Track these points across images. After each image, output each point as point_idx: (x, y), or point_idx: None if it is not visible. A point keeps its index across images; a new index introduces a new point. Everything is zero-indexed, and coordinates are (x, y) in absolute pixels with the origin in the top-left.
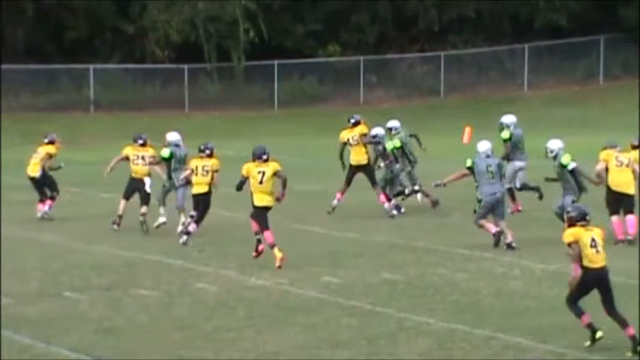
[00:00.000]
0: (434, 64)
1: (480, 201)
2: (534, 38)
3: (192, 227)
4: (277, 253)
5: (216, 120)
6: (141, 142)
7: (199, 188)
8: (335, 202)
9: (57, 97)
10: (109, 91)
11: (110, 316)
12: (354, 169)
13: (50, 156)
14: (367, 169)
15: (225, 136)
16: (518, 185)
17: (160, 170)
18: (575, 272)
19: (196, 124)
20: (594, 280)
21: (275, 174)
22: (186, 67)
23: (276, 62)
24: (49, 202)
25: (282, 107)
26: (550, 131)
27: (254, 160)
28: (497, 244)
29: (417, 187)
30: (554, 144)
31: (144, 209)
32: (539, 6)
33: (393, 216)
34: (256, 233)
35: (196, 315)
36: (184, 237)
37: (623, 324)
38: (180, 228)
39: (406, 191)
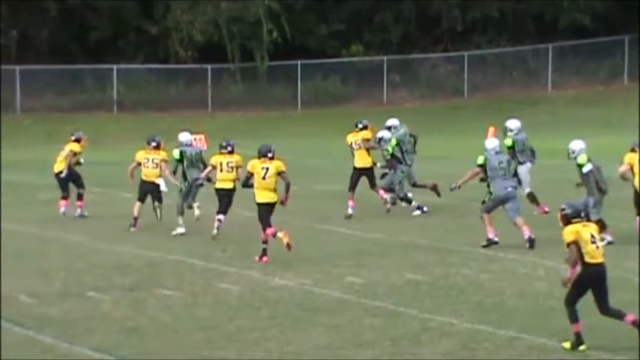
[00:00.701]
0: (457, 64)
1: (490, 193)
2: (558, 38)
3: (220, 216)
4: (283, 237)
5: (239, 120)
6: (154, 144)
7: (224, 184)
8: (350, 210)
9: (81, 98)
10: (133, 92)
11: (133, 316)
12: (358, 172)
13: (75, 154)
14: (370, 172)
15: (248, 136)
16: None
17: (168, 173)
18: (570, 273)
19: (219, 125)
20: (594, 276)
21: (279, 174)
22: (209, 67)
23: (299, 62)
24: (79, 202)
25: (305, 107)
26: (574, 132)
27: (259, 158)
28: (487, 246)
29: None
30: (576, 145)
31: (157, 204)
32: (564, 6)
33: (389, 210)
34: (264, 242)
35: (219, 315)
36: (215, 231)
37: (621, 315)
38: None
39: (413, 204)
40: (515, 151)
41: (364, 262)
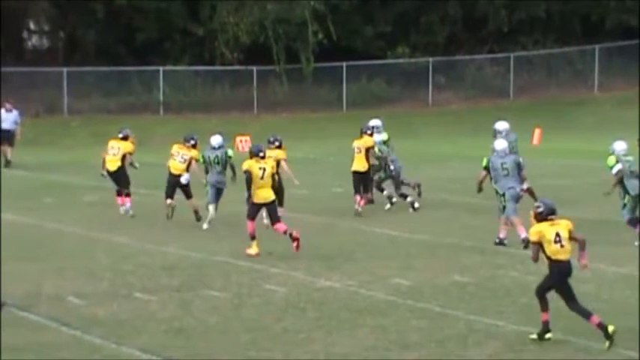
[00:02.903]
0: (503, 66)
1: (503, 195)
2: (605, 39)
3: (280, 211)
4: (254, 247)
5: (285, 121)
6: (192, 142)
7: None
8: (357, 207)
9: (127, 99)
10: (179, 93)
11: (180, 316)
12: (356, 176)
13: (130, 153)
14: (366, 176)
15: (293, 137)
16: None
17: (196, 167)
18: (534, 254)
19: (265, 126)
20: (557, 274)
21: (274, 173)
22: (255, 68)
23: (344, 64)
24: (128, 200)
25: (350, 109)
26: (620, 133)
27: (251, 157)
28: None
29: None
30: (619, 145)
31: (192, 202)
32: (610, 6)
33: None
34: (252, 237)
35: (266, 316)
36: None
37: (587, 315)
38: (205, 225)
39: (408, 199)
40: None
41: (410, 264)
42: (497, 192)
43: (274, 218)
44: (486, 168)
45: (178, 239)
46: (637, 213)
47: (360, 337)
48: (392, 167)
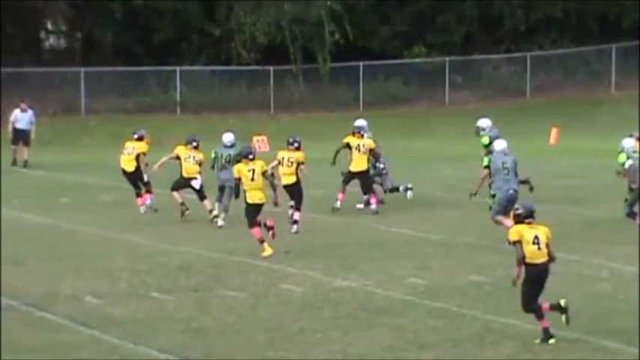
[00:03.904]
0: (520, 65)
1: (493, 196)
2: (622, 38)
3: (296, 215)
4: (267, 249)
5: (302, 121)
6: (194, 144)
7: (288, 179)
8: (338, 204)
9: (144, 99)
10: (196, 93)
11: (197, 316)
12: (353, 175)
13: (144, 154)
14: (365, 176)
15: (310, 137)
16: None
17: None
18: (517, 272)
19: (282, 126)
20: (534, 276)
21: (262, 173)
22: (271, 68)
23: (361, 64)
24: (148, 195)
25: (367, 109)
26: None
27: (239, 161)
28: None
29: (407, 185)
30: (627, 142)
31: (205, 204)
32: (627, 6)
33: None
34: (261, 241)
35: (282, 316)
36: (294, 227)
37: (540, 316)
38: (220, 222)
39: (400, 188)
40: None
41: (427, 264)
42: (490, 191)
43: (252, 221)
44: (487, 167)
45: (195, 239)
46: (636, 207)
47: (377, 337)
48: (382, 165)
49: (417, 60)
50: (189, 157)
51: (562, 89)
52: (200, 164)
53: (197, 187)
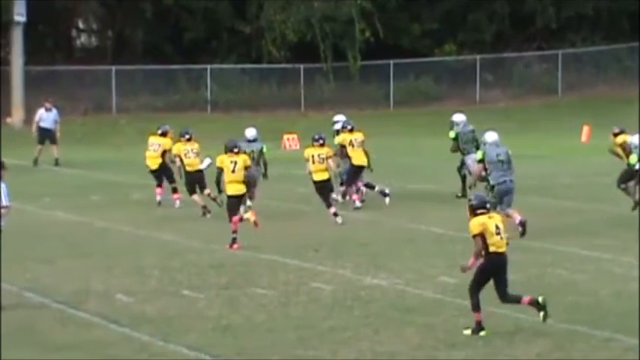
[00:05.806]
0: (551, 63)
1: (492, 188)
2: None
3: (332, 209)
4: (250, 217)
5: (332, 119)
6: (187, 137)
7: (321, 175)
8: (357, 203)
9: (174, 98)
10: (226, 91)
11: (228, 314)
12: (357, 169)
13: (169, 150)
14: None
15: None
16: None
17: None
18: (471, 263)
19: (312, 124)
20: (497, 265)
21: (245, 168)
22: (302, 66)
23: (391, 62)
24: (176, 195)
25: (397, 107)
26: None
27: (225, 153)
28: (523, 234)
29: (385, 191)
30: (637, 139)
31: (207, 191)
32: None
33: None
34: (234, 232)
35: (312, 314)
36: (338, 218)
37: (518, 299)
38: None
39: (376, 188)
40: (460, 143)
41: (457, 262)
42: (487, 184)
43: (233, 212)
44: (481, 161)
45: (225, 237)
46: None
47: (407, 335)
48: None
49: (448, 58)
50: (189, 151)
51: (593, 87)
52: (198, 154)
53: (205, 166)
